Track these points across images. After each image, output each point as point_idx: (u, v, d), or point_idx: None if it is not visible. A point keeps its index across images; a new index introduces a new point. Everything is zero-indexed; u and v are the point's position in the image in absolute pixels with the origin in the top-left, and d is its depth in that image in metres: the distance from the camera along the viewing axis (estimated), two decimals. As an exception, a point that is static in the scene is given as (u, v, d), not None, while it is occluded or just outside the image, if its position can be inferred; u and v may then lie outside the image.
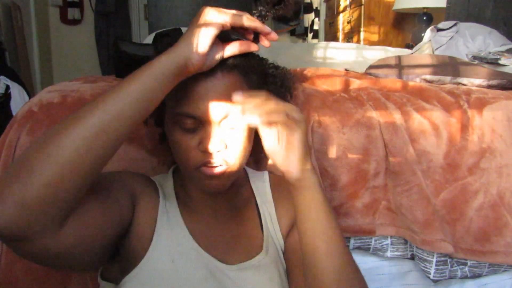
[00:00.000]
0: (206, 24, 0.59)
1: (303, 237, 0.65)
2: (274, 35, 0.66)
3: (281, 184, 0.81)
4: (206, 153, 0.66)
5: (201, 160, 0.66)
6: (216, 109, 0.64)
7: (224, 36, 0.63)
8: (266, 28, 0.65)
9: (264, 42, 0.67)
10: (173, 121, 0.68)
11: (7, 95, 2.35)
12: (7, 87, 2.36)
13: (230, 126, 0.67)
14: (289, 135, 0.60)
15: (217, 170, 0.67)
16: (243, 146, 0.68)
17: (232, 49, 0.65)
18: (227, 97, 0.64)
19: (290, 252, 0.75)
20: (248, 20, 0.63)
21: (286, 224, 0.77)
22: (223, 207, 0.76)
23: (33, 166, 0.50)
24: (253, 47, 0.67)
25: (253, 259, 0.72)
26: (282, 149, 0.61)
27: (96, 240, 0.60)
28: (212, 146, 0.65)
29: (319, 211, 0.64)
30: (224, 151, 0.67)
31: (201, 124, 0.66)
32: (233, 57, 0.65)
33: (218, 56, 0.64)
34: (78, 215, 0.56)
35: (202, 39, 0.59)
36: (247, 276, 0.70)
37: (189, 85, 0.65)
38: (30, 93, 2.69)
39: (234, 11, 0.62)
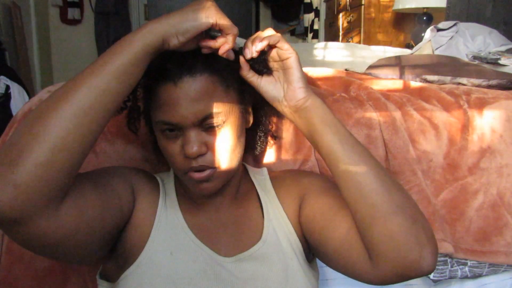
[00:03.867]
0: (200, 18, 0.59)
1: (328, 157, 0.64)
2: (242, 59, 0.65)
3: (280, 176, 0.81)
4: (189, 158, 0.66)
5: (187, 166, 0.67)
6: (190, 115, 0.65)
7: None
8: (231, 51, 0.64)
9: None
10: (157, 129, 0.69)
11: (7, 95, 2.35)
12: (7, 87, 2.36)
13: (211, 128, 0.67)
14: (285, 63, 0.64)
15: (204, 174, 0.67)
16: (228, 147, 0.68)
17: (211, 44, 0.63)
18: (201, 101, 0.65)
19: (312, 219, 0.72)
20: (232, 38, 0.61)
21: (292, 209, 0.76)
22: (224, 201, 0.76)
23: (23, 147, 0.50)
24: (222, 50, 0.62)
25: (250, 249, 0.72)
26: (282, 82, 0.67)
27: (94, 229, 0.60)
28: (191, 152, 0.65)
29: (336, 123, 0.65)
30: (208, 154, 0.67)
31: (181, 129, 0.66)
32: (203, 60, 0.65)
33: (191, 46, 0.62)
34: (75, 199, 0.56)
35: (189, 29, 0.59)
36: (245, 267, 0.70)
37: (161, 94, 0.65)
38: (30, 93, 2.69)
39: (228, 22, 0.61)
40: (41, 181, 0.50)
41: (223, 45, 0.62)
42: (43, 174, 0.50)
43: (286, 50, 0.63)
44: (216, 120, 0.66)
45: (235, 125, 0.69)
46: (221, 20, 0.60)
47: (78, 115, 0.53)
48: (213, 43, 0.63)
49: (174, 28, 0.58)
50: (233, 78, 0.69)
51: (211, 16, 0.59)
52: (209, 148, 0.67)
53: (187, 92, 0.64)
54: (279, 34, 0.64)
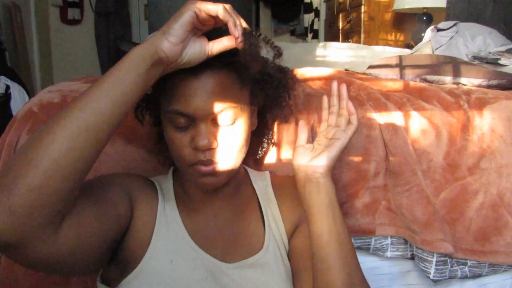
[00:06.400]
0: (180, 13, 0.58)
1: (317, 238, 0.66)
2: (239, 43, 0.61)
3: (283, 184, 0.81)
4: (198, 151, 0.66)
5: (194, 158, 0.67)
6: (206, 107, 0.65)
7: (212, 33, 0.63)
8: (236, 30, 0.59)
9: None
10: (167, 119, 0.69)
11: (7, 95, 2.35)
12: (7, 87, 2.36)
13: (223, 124, 0.67)
14: (338, 136, 0.71)
15: (209, 168, 0.67)
16: (237, 144, 0.69)
17: (218, 45, 0.63)
18: (218, 95, 0.65)
19: (296, 254, 0.74)
20: (224, 12, 0.58)
21: (290, 223, 0.76)
22: (223, 206, 0.76)
23: (16, 172, 0.50)
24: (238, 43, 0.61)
25: (253, 257, 0.72)
26: (318, 150, 0.72)
27: (94, 244, 0.59)
28: (203, 143, 0.65)
29: (336, 210, 0.67)
30: (217, 148, 0.67)
31: (193, 121, 0.67)
32: (223, 55, 0.64)
33: (205, 52, 0.62)
34: (73, 220, 0.55)
35: (174, 26, 0.57)
36: (246, 274, 0.70)
37: (179, 84, 0.65)
38: (30, 93, 2.69)
39: (211, 5, 0.59)
40: (36, 206, 0.50)
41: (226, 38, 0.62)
42: (37, 199, 0.49)
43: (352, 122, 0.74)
44: (229, 116, 0.67)
45: (245, 124, 0.70)
46: (203, 5, 0.58)
47: (70, 138, 0.52)
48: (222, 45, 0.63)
49: (161, 34, 0.58)
50: (248, 79, 0.70)
51: (193, 6, 0.58)
52: (218, 143, 0.67)
53: (206, 84, 0.65)
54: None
